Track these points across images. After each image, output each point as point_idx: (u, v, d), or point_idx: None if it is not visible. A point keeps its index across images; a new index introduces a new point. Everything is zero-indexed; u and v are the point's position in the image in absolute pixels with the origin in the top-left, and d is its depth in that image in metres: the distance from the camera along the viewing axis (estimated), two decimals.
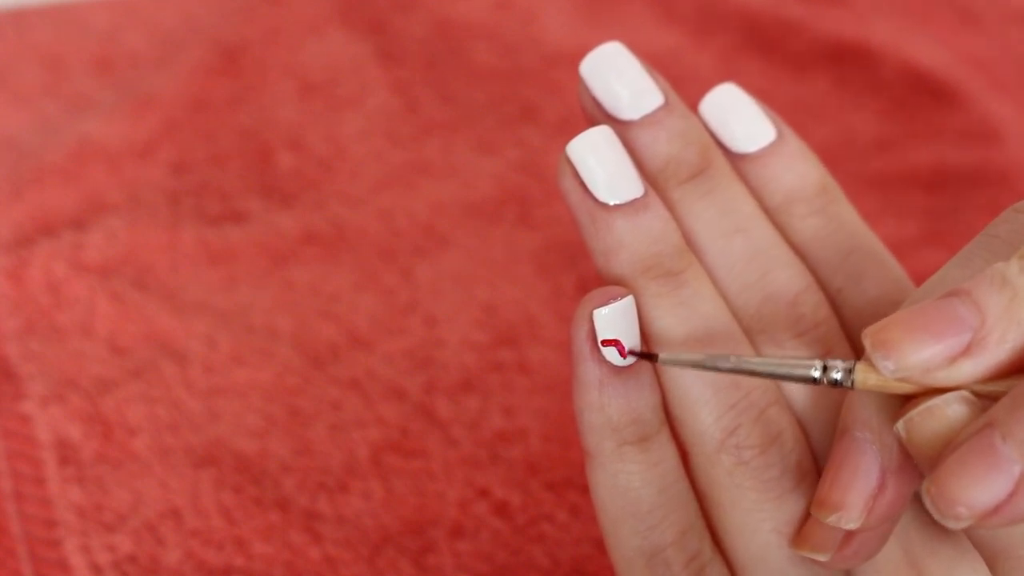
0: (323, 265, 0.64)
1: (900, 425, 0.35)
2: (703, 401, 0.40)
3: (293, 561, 0.52)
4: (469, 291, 0.63)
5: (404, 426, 0.57)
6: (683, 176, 0.42)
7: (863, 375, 0.36)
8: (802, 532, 0.39)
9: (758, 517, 0.40)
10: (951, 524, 0.33)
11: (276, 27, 0.75)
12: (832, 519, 0.37)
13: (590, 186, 0.40)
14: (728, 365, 0.38)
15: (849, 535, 0.38)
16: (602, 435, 0.40)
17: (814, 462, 0.41)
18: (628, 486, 0.40)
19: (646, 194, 0.40)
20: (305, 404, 0.58)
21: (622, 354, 0.39)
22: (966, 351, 0.34)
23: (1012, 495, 0.32)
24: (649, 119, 0.42)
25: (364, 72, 0.73)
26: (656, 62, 0.44)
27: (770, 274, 0.42)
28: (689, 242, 0.41)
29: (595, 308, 0.39)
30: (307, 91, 0.72)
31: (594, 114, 0.42)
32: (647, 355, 0.39)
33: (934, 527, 0.40)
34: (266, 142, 0.70)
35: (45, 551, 0.53)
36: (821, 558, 0.39)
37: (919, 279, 0.64)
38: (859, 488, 0.37)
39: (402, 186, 0.68)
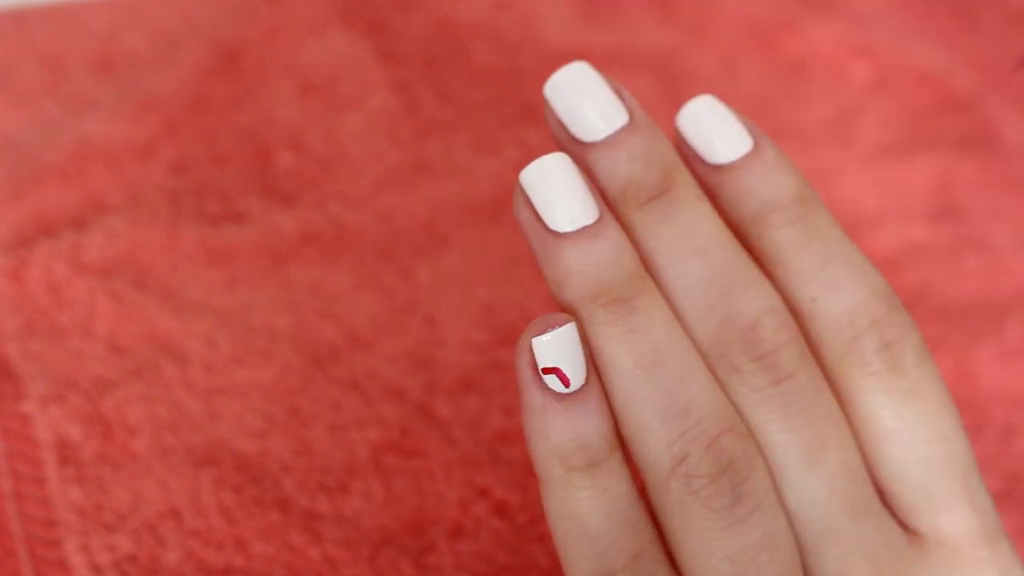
0: (323, 265, 0.64)
1: None
2: (651, 428, 0.39)
3: (293, 561, 0.52)
4: (469, 291, 0.63)
5: (404, 426, 0.57)
6: (643, 199, 0.41)
7: None
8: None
9: (709, 546, 0.39)
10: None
11: (276, 27, 0.75)
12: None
13: (541, 214, 0.40)
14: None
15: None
16: (549, 461, 0.39)
17: (773, 486, 0.40)
18: (576, 511, 0.40)
19: (599, 220, 0.40)
20: (305, 404, 0.58)
21: (564, 382, 0.39)
22: None
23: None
24: (611, 140, 0.41)
25: (364, 72, 0.73)
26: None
27: (729, 296, 0.41)
28: (648, 266, 0.41)
29: (535, 336, 0.39)
30: (307, 91, 0.72)
31: (559, 135, 0.42)
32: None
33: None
34: (266, 142, 0.69)
35: (45, 551, 0.53)
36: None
37: (919, 280, 0.64)
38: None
39: (402, 186, 0.68)
